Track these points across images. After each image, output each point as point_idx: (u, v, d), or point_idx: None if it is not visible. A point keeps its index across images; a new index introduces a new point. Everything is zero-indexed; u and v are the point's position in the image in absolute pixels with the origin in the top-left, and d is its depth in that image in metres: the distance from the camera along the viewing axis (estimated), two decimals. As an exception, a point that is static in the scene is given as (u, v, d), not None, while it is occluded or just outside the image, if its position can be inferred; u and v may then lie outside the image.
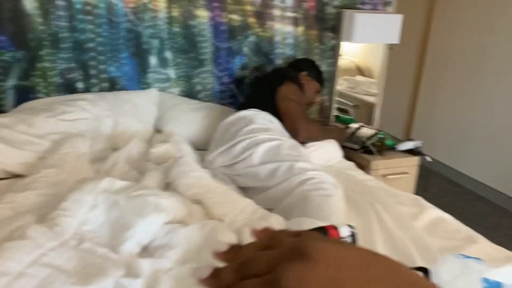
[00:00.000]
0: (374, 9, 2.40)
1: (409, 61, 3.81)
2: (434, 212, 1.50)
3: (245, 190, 1.65)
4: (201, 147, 1.97)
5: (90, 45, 1.99)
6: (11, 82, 1.94)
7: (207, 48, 2.16)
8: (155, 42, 2.08)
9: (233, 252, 0.33)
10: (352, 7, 2.34)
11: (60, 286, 0.95)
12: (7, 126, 1.68)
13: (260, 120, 1.75)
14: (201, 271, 0.31)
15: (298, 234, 0.31)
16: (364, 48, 2.82)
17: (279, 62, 2.32)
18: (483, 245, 1.31)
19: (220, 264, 0.32)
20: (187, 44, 2.13)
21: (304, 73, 2.08)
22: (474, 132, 3.15)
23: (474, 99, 3.14)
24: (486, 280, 0.87)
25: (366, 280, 0.25)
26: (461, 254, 0.94)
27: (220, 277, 0.30)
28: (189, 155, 1.66)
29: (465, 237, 1.35)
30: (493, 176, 3.02)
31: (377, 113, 2.54)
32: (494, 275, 0.91)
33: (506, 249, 1.31)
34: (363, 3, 2.37)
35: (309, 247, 0.27)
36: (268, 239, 0.32)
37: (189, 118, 2.04)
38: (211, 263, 0.32)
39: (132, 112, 1.98)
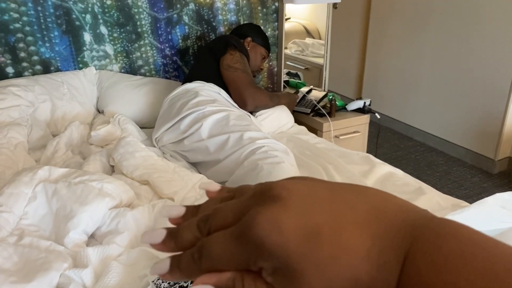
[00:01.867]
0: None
1: (355, 19, 3.81)
2: (384, 168, 1.52)
3: (196, 166, 1.61)
4: (148, 125, 1.90)
5: (16, 25, 1.83)
6: None
7: (144, 20, 2.05)
8: (88, 17, 1.95)
9: (191, 214, 0.28)
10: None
11: (-1, 287, 0.89)
12: None
13: (206, 92, 1.70)
14: (153, 234, 0.27)
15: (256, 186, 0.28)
16: (311, 9, 2.78)
17: (222, 29, 2.24)
18: (432, 196, 1.35)
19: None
20: (122, 16, 2.01)
21: (248, 39, 2.02)
22: (420, 85, 3.23)
23: (419, 52, 3.20)
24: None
25: (339, 208, 0.24)
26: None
27: (180, 237, 0.26)
28: (133, 135, 1.59)
29: (415, 189, 1.39)
30: (441, 127, 3.13)
31: (326, 75, 2.54)
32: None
33: (454, 196, 1.36)
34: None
35: (276, 187, 0.25)
36: (226, 193, 0.29)
37: (132, 96, 1.95)
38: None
39: (70, 95, 1.87)
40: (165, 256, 0.27)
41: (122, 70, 2.09)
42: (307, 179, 0.27)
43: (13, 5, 1.81)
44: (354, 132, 2.28)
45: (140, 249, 1.05)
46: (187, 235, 0.26)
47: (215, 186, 0.30)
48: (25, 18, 1.84)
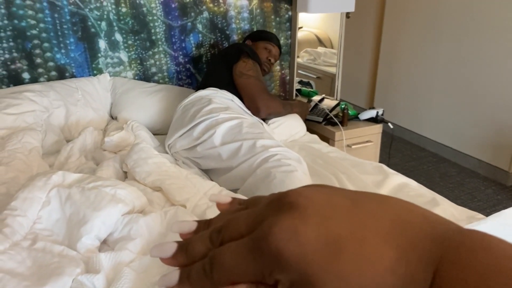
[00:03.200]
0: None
1: (367, 28, 3.81)
2: (397, 178, 1.51)
3: (208, 173, 1.61)
4: (160, 132, 1.91)
5: (33, 32, 1.86)
6: None
7: (158, 28, 2.07)
8: (103, 25, 1.97)
9: (202, 228, 0.27)
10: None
11: (11, 292, 0.89)
12: None
13: (219, 99, 1.70)
14: (163, 248, 0.26)
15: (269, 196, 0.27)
16: (323, 18, 2.79)
17: (235, 38, 2.25)
18: (446, 207, 1.33)
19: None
20: (137, 24, 2.03)
21: (248, 41, 2.06)
22: (434, 95, 3.21)
23: (432, 62, 3.18)
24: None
25: (361, 218, 0.23)
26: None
27: (191, 250, 0.25)
28: (146, 141, 1.60)
29: (429, 200, 1.37)
30: (454, 137, 3.09)
31: (338, 84, 2.53)
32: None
33: (468, 207, 1.34)
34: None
35: (293, 195, 0.24)
36: (238, 205, 0.28)
37: (145, 103, 1.96)
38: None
39: (85, 101, 1.89)
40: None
41: (136, 77, 2.11)
42: (326, 187, 0.26)
43: (30, 12, 1.83)
44: (367, 141, 2.26)
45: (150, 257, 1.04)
46: (199, 247, 0.25)
47: (226, 198, 0.29)
48: (41, 25, 1.87)
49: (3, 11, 1.78)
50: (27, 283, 0.92)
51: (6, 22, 1.81)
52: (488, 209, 2.48)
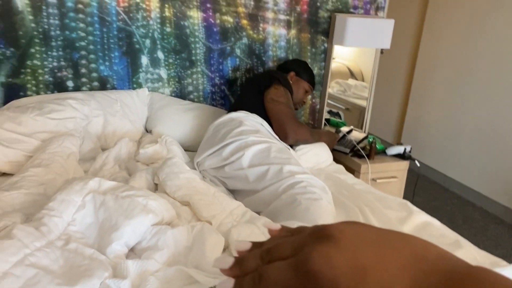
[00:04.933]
0: (366, 13, 2.41)
1: (400, 66, 3.84)
2: (421, 217, 1.51)
3: (233, 192, 1.65)
4: (191, 148, 1.96)
5: (81, 43, 1.98)
6: None
7: (199, 49, 2.16)
8: (147, 42, 2.08)
9: (255, 248, 0.34)
10: (345, 11, 2.36)
11: (45, 287, 0.94)
12: (-5, 124, 1.66)
13: (250, 122, 1.75)
14: (224, 261, 0.32)
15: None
16: (356, 51, 2.84)
17: (271, 64, 2.32)
18: (469, 250, 1.33)
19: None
20: (179, 44, 2.12)
21: (292, 73, 2.09)
22: (463, 138, 3.19)
23: (463, 104, 3.17)
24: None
25: (384, 251, 0.28)
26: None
27: (245, 265, 0.31)
28: (178, 156, 1.65)
29: (452, 242, 1.37)
30: (480, 182, 3.05)
31: (367, 117, 2.56)
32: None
33: (491, 253, 1.33)
34: (356, 8, 2.38)
35: (330, 229, 0.29)
36: (286, 232, 0.34)
37: (179, 119, 2.03)
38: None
39: (123, 112, 1.97)
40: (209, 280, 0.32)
41: (173, 94, 2.19)
42: (358, 224, 0.31)
43: (82, 25, 1.95)
44: (392, 177, 2.26)
45: (177, 268, 1.08)
46: (251, 263, 0.31)
47: (277, 225, 0.35)
48: (90, 38, 1.98)
49: (57, 21, 1.91)
50: (59, 281, 0.96)
51: (58, 32, 1.92)
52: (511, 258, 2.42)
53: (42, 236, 1.08)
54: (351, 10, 2.38)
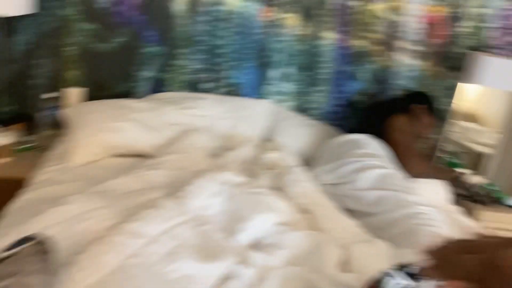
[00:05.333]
0: (508, 54, 2.29)
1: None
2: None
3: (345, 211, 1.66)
4: (302, 163, 2.01)
5: (223, 51, 2.15)
6: (148, 73, 2.16)
7: (328, 69, 2.23)
8: (280, 56, 2.19)
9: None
10: (484, 49, 2.27)
11: (183, 258, 1.04)
12: (143, 110, 1.88)
13: (374, 146, 1.76)
14: (428, 245, 0.42)
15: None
16: (479, 93, 2.69)
17: (396, 92, 2.31)
18: None
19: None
20: (309, 62, 2.21)
21: (418, 105, 2.05)
22: None
23: None
24: None
25: None
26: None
27: (445, 249, 0.40)
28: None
29: None
30: None
31: (492, 164, 2.41)
32: None
33: None
34: (495, 47, 2.28)
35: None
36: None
37: (297, 133, 2.10)
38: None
39: (248, 119, 2.09)
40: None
41: (295, 108, 2.28)
42: None
43: (226, 33, 2.13)
44: (509, 229, 2.10)
45: (296, 269, 1.12)
46: (449, 250, 0.41)
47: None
48: (231, 46, 2.16)
49: (208, 28, 2.11)
50: (196, 256, 1.06)
51: (205, 38, 2.12)
52: None
53: (182, 214, 1.20)
54: (490, 49, 2.28)
